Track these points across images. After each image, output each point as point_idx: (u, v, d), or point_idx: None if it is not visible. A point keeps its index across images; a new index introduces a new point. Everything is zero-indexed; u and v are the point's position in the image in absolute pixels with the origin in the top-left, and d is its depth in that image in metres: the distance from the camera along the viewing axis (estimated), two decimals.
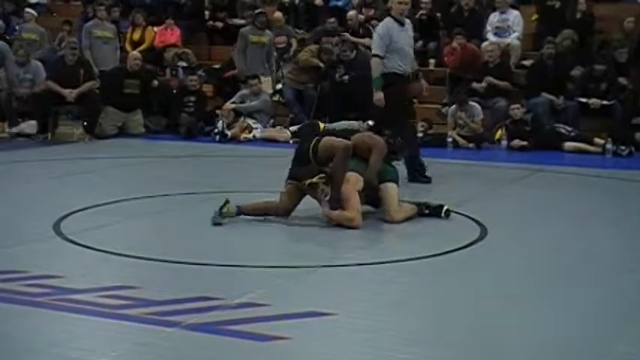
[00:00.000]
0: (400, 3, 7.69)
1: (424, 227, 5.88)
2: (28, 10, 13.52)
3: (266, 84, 11.77)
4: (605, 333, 3.78)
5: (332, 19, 12.87)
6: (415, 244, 5.30)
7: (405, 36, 7.73)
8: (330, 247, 5.28)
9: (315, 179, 5.78)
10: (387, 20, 7.78)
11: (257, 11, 12.30)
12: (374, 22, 13.03)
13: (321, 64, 12.06)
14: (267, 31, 12.12)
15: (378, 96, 7.68)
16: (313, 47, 12.33)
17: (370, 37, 12.48)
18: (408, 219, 6.01)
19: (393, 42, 7.59)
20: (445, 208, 6.15)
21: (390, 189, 6.02)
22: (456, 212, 6.27)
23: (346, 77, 11.78)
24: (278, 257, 4.98)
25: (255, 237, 5.61)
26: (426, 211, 6.16)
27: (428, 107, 11.83)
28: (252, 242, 5.45)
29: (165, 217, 6.09)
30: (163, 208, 6.39)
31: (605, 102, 10.56)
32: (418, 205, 6.18)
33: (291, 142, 10.74)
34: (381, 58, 7.60)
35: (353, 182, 5.83)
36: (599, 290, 4.45)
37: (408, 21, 7.84)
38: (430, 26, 12.77)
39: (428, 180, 7.76)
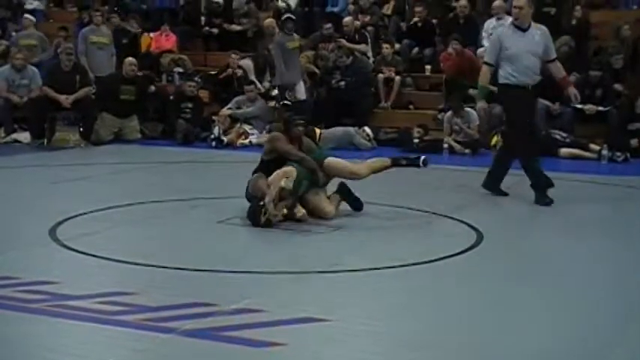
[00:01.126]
0: (513, 7, 7.09)
1: (420, 233, 5.89)
2: (26, 16, 13.50)
3: (299, 90, 11.43)
4: (603, 336, 3.79)
5: (328, 25, 12.89)
6: (411, 250, 5.30)
7: (525, 43, 6.93)
8: (325, 252, 5.29)
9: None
10: (506, 25, 7.25)
11: (284, 17, 11.94)
12: (370, 28, 13.08)
13: (317, 70, 12.07)
14: (296, 35, 11.73)
15: (479, 105, 7.56)
16: (309, 53, 12.36)
17: (366, 42, 12.62)
18: (377, 171, 6.35)
19: (504, 49, 6.95)
20: (423, 157, 6.42)
21: (332, 160, 6.31)
22: (451, 218, 6.28)
23: (342, 83, 11.81)
24: (274, 263, 4.98)
25: (250, 243, 5.62)
26: (404, 163, 6.48)
27: (424, 113, 11.86)
28: (247, 248, 5.46)
29: (162, 223, 6.09)
30: (159, 214, 6.39)
31: (600, 108, 10.59)
32: (394, 159, 6.48)
33: None
34: (491, 65, 7.08)
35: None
36: (597, 294, 4.46)
37: (538, 28, 7.04)
38: (426, 32, 12.80)
39: (549, 202, 6.95)
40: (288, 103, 11.28)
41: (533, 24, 7.06)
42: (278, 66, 11.48)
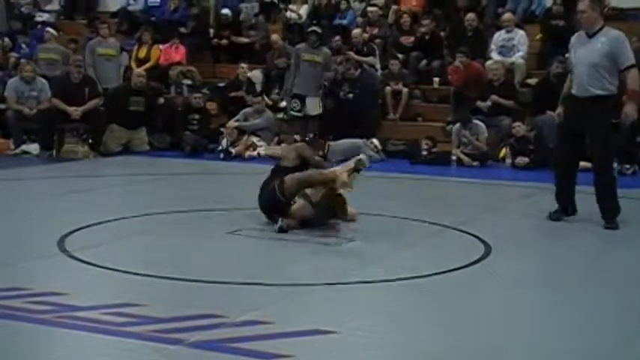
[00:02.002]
0: (577, 12, 6.53)
1: (427, 245, 5.88)
2: (48, 29, 13.53)
3: (310, 104, 11.34)
4: (614, 346, 3.77)
5: (336, 38, 12.92)
6: (418, 262, 5.29)
7: (583, 51, 6.33)
8: (332, 264, 5.28)
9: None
10: (580, 31, 6.57)
11: (309, 30, 11.90)
12: (378, 40, 13.11)
13: (325, 83, 12.09)
14: (325, 49, 11.52)
15: (557, 110, 6.78)
16: None
17: (374, 55, 12.64)
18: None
19: (571, 57, 6.51)
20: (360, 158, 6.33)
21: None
22: (460, 230, 6.27)
23: (350, 95, 11.83)
24: (281, 275, 4.98)
25: (259, 254, 5.61)
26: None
27: (432, 125, 11.86)
28: (256, 259, 5.45)
29: (170, 234, 6.09)
30: (168, 225, 6.39)
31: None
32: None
33: None
34: (570, 72, 6.56)
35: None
36: (608, 304, 4.44)
37: (606, 33, 6.32)
38: (434, 45, 12.82)
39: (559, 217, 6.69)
40: (298, 114, 11.30)
41: (605, 29, 6.33)
42: (291, 75, 11.51)
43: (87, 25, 14.39)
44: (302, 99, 11.40)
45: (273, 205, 6.23)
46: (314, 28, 11.81)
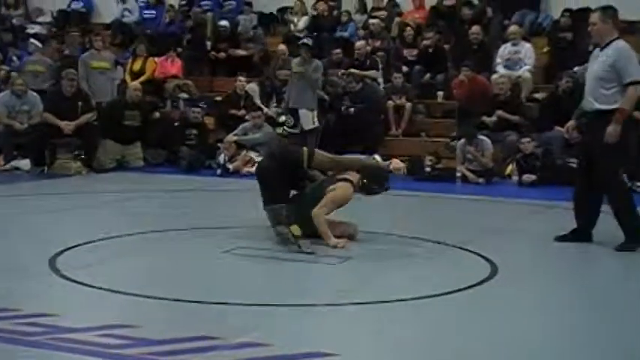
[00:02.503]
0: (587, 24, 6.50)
1: (431, 265, 5.87)
2: (32, 41, 13.61)
3: (304, 118, 11.39)
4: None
5: (337, 51, 12.98)
6: (421, 282, 5.29)
7: (592, 64, 6.35)
8: (334, 284, 5.28)
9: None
10: None
11: (299, 42, 12.03)
12: (380, 53, 13.17)
13: (326, 97, 12.14)
14: (316, 61, 11.61)
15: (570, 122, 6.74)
16: None
17: (376, 68, 12.69)
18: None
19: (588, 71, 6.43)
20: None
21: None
22: (464, 249, 6.27)
23: (352, 109, 11.87)
24: (280, 295, 4.97)
25: (256, 274, 5.61)
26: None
27: (436, 141, 11.88)
28: (253, 279, 5.45)
29: (165, 253, 6.09)
30: (163, 243, 6.39)
31: None
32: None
33: None
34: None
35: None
36: (619, 326, 4.43)
37: (613, 45, 6.20)
38: (437, 58, 12.87)
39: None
40: (293, 130, 11.34)
41: (615, 42, 6.22)
42: (288, 89, 11.63)
43: (80, 37, 14.48)
44: (295, 113, 11.44)
45: (291, 167, 6.36)
46: (304, 40, 11.94)
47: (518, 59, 12.08)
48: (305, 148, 6.62)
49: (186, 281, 5.27)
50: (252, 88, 12.82)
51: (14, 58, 14.26)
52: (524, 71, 11.97)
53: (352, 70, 12.42)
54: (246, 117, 12.17)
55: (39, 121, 11.12)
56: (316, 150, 6.74)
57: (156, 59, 13.66)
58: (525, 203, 8.95)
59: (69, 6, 16.53)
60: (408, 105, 12.20)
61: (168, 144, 11.84)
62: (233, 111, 12.55)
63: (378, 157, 11.06)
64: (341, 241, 6.23)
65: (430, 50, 12.86)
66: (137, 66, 13.47)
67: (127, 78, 13.21)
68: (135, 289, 4.90)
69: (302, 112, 11.43)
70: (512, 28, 12.42)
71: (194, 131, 11.75)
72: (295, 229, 6.26)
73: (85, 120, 11.08)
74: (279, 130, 12.10)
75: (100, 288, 4.93)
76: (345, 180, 6.38)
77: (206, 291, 4.96)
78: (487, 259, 5.92)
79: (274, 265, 5.78)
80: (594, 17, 6.31)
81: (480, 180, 10.47)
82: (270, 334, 4.11)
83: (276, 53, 13.39)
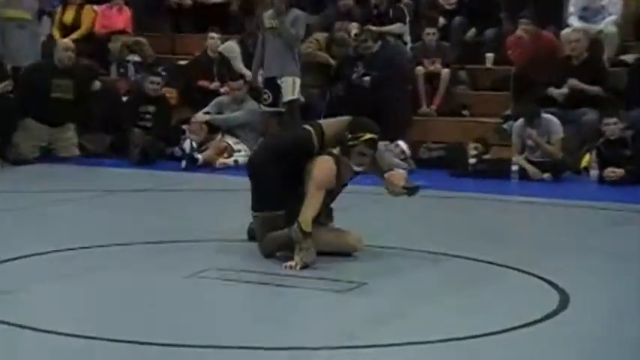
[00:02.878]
0: None
1: (484, 294, 5.86)
2: None
3: (284, 86, 11.44)
4: None
5: None
6: (463, 317, 5.27)
7: None
8: (337, 319, 5.26)
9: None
10: None
11: None
12: (407, 0, 13.14)
13: (332, 61, 12.13)
14: (295, 11, 11.68)
15: None
16: (320, 37, 12.41)
17: (402, 21, 12.68)
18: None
19: None
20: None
21: None
22: (522, 271, 6.27)
23: (366, 78, 11.86)
24: (269, 335, 4.96)
25: (233, 304, 5.60)
26: None
27: (483, 122, 11.87)
28: (229, 312, 5.44)
29: (109, 277, 6.08)
30: (106, 264, 6.38)
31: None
32: None
33: None
34: None
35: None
36: None
37: None
38: (486, 6, 12.85)
39: None
40: (271, 109, 11.38)
41: None
42: (258, 55, 11.69)
43: None
44: (273, 84, 11.48)
45: (296, 159, 6.39)
46: None
47: (599, 7, 12.06)
48: (310, 127, 6.61)
49: (138, 316, 5.26)
50: (230, 48, 12.79)
51: None
52: (608, 24, 11.95)
53: (368, 27, 12.40)
54: (222, 89, 12.16)
55: None
56: (323, 122, 6.76)
57: (95, 8, 13.66)
58: (608, 208, 8.93)
59: None
60: (445, 72, 12.18)
61: (114, 126, 11.83)
62: (203, 81, 12.52)
63: (403, 145, 11.05)
64: (292, 262, 6.19)
65: None
66: (69, 17, 13.46)
67: (56, 33, 13.21)
68: (68, 326, 4.88)
69: (283, 80, 11.46)
70: None
71: (150, 108, 11.74)
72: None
73: None
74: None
75: (21, 326, 4.91)
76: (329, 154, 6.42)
77: (165, 329, 4.95)
78: (555, 286, 5.91)
79: (260, 292, 5.77)
80: None
81: (545, 176, 10.46)
82: None
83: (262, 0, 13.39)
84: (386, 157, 6.66)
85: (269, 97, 11.49)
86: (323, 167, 6.33)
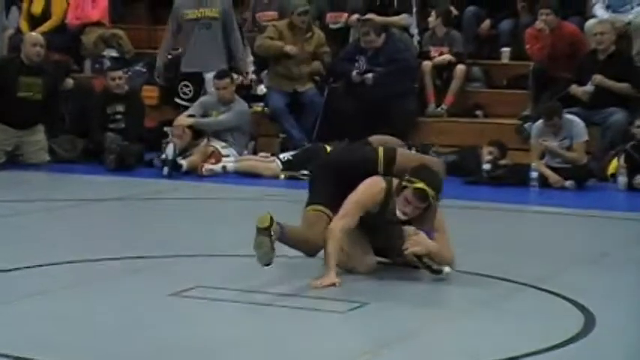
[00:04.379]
0: None
1: (494, 314, 5.86)
2: None
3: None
4: None
5: None
6: (477, 341, 5.27)
7: None
8: (335, 344, 5.25)
9: None
10: None
11: None
12: None
13: (290, 48, 12.00)
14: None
15: None
16: (280, 23, 12.35)
17: (409, 11, 12.67)
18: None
19: None
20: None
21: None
22: (543, 290, 6.26)
23: (369, 75, 11.86)
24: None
25: (222, 329, 5.59)
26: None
27: (498, 123, 11.87)
28: (217, 338, 5.43)
29: (84, 296, 6.07)
30: (80, 281, 6.37)
31: None
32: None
33: (282, 177, 10.76)
34: None
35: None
36: None
37: None
38: None
39: None
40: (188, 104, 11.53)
41: None
42: (164, 43, 12.23)
43: None
44: (198, 79, 11.67)
45: (362, 168, 6.51)
46: None
47: None
48: (381, 149, 6.69)
49: (116, 341, 5.25)
50: None
51: None
52: (638, 14, 11.96)
53: (370, 16, 12.41)
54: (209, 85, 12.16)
55: None
56: (400, 150, 6.82)
57: None
58: (637, 219, 8.94)
59: None
60: (461, 68, 12.18)
61: (88, 129, 11.82)
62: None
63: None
64: (329, 280, 6.22)
65: None
66: (38, 7, 13.44)
67: (23, 26, 13.19)
68: (38, 353, 4.88)
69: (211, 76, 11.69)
70: None
71: (119, 107, 11.71)
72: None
73: None
74: (259, 107, 12.16)
75: None
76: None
77: (147, 355, 4.94)
78: (578, 305, 5.91)
79: (249, 313, 5.75)
80: None
81: (568, 183, 10.46)
82: None
83: None
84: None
85: (190, 91, 11.62)
86: (370, 184, 6.41)
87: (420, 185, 6.26)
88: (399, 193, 6.32)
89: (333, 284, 6.17)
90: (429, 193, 6.27)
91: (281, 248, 6.46)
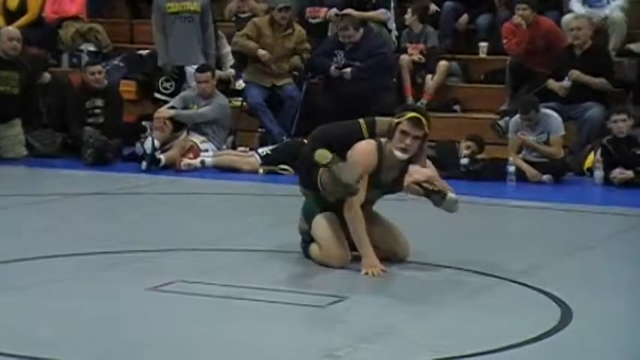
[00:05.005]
0: None
1: (479, 308, 5.87)
2: None
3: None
4: None
5: None
6: (453, 336, 5.28)
7: None
8: (313, 339, 5.23)
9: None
10: None
11: None
12: None
13: (262, 52, 11.99)
14: None
15: None
16: (260, 19, 12.34)
17: (387, 6, 12.66)
18: None
19: None
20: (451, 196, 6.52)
21: None
22: (521, 284, 6.28)
23: (347, 70, 11.86)
24: (237, 355, 4.96)
25: (204, 324, 5.58)
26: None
27: (477, 118, 11.89)
28: (199, 334, 5.43)
29: (60, 291, 6.05)
30: (57, 276, 6.34)
31: None
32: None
33: (260, 171, 10.76)
34: None
35: None
36: None
37: None
38: None
39: None
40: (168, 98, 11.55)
41: None
42: (157, 40, 12.08)
43: None
44: (180, 72, 11.75)
45: (348, 138, 6.65)
46: None
47: None
48: (361, 120, 6.84)
49: (93, 336, 5.24)
50: None
51: None
52: (614, 9, 11.99)
53: (348, 11, 12.40)
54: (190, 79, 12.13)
55: None
56: (377, 118, 6.92)
57: None
58: (615, 213, 8.97)
59: None
60: (444, 64, 12.20)
61: (66, 123, 11.78)
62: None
63: None
64: (370, 262, 6.39)
65: None
66: (14, 2, 13.39)
67: None
68: (15, 347, 4.86)
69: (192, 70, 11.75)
70: None
71: (98, 102, 11.67)
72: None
73: None
74: (239, 101, 12.15)
75: None
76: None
77: (125, 353, 4.94)
78: (555, 298, 5.93)
79: (227, 308, 5.74)
80: None
81: (545, 178, 10.48)
82: None
83: None
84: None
85: (172, 85, 11.64)
86: (362, 149, 6.54)
87: (413, 114, 6.49)
88: (394, 133, 6.48)
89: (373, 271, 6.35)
90: (422, 119, 6.50)
91: (257, 244, 6.45)
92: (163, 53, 12.14)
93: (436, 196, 6.49)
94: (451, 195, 6.52)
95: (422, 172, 6.52)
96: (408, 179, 6.47)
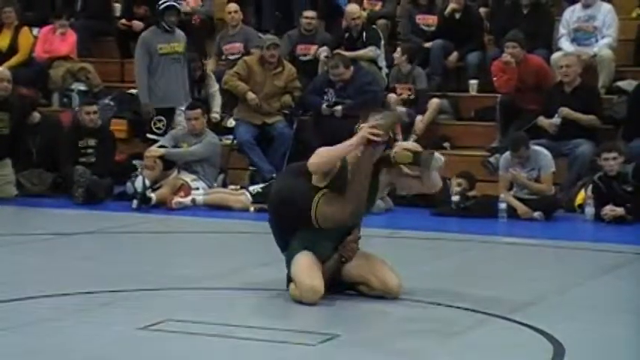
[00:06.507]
0: None
1: (470, 346, 5.87)
2: None
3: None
4: None
5: (310, 14, 13.01)
6: None
7: None
8: None
9: None
10: None
11: (161, 3, 12.22)
12: (381, 21, 13.21)
13: (251, 96, 12.03)
14: (178, 32, 12.28)
15: None
16: (250, 58, 12.40)
17: (376, 44, 12.71)
18: None
19: None
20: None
21: None
22: (513, 321, 6.28)
23: (338, 108, 11.89)
24: None
25: None
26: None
27: (467, 155, 11.91)
28: None
29: (51, 330, 6.03)
30: (47, 315, 6.33)
31: None
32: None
33: (251, 209, 10.75)
34: None
35: None
36: None
37: None
38: (469, 28, 12.92)
39: None
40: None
41: None
42: (141, 79, 12.01)
43: None
44: (170, 113, 11.96)
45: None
46: (171, 1, 12.18)
47: (593, 28, 12.15)
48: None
49: None
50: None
51: None
52: (603, 47, 12.05)
53: (338, 52, 12.46)
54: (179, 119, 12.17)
55: None
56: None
57: (35, 31, 13.62)
58: (606, 250, 8.96)
59: None
60: (435, 102, 12.23)
61: (56, 162, 11.77)
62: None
63: None
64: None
65: (457, 16, 12.92)
66: (5, 42, 13.43)
67: None
68: None
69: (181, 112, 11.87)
70: None
71: (91, 142, 11.68)
72: None
73: None
74: (229, 140, 12.16)
75: None
76: None
77: None
78: (547, 335, 5.93)
79: (222, 347, 5.74)
80: None
81: (536, 214, 10.49)
82: None
83: (224, 19, 13.42)
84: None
85: (164, 125, 11.69)
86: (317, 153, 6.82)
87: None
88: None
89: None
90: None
91: (248, 282, 6.42)
92: (146, 93, 12.11)
93: (425, 156, 6.58)
94: (439, 156, 6.66)
95: (403, 144, 6.69)
96: (395, 149, 6.60)
